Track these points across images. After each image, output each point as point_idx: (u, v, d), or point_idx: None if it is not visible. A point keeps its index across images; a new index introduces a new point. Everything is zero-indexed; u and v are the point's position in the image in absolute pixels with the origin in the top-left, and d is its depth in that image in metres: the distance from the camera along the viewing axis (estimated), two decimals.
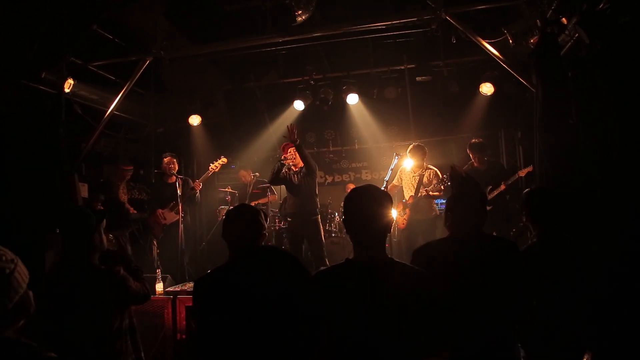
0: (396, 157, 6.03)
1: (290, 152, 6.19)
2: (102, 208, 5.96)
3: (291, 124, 5.97)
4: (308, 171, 6.15)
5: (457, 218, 2.49)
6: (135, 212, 6.49)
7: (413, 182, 6.13)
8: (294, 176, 6.26)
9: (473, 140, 6.34)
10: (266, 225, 2.49)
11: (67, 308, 2.40)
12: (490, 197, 5.77)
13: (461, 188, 2.55)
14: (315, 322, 1.96)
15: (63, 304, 2.40)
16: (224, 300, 2.28)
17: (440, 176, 5.97)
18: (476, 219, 2.47)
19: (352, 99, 7.67)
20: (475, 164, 6.14)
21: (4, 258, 1.43)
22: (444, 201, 7.73)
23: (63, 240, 2.58)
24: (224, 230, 2.42)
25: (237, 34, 6.24)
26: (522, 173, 5.96)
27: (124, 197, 6.50)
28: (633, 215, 3.56)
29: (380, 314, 1.85)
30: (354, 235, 2.04)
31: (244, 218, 2.44)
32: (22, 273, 1.47)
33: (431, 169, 6.15)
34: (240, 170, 7.82)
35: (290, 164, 6.22)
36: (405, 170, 6.33)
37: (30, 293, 1.50)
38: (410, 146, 6.19)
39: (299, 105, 7.75)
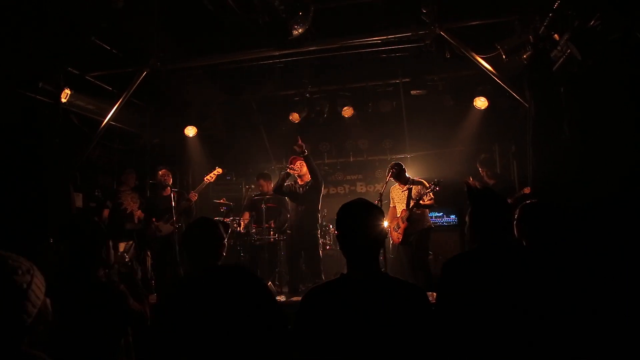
0: (391, 171, 6.14)
1: (297, 164, 6.23)
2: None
3: (298, 136, 6.01)
4: (314, 184, 6.18)
5: (481, 230, 2.35)
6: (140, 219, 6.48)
7: (403, 197, 6.16)
8: (299, 189, 6.29)
9: (482, 155, 6.43)
10: (225, 237, 2.48)
11: (67, 321, 2.35)
12: None
13: (479, 201, 2.46)
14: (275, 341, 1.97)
15: (63, 317, 2.36)
16: (176, 319, 2.25)
17: (427, 185, 5.99)
18: (502, 229, 2.32)
19: (347, 112, 7.80)
20: (485, 179, 6.19)
21: (19, 271, 1.37)
22: (440, 214, 7.83)
23: (69, 251, 2.50)
24: (183, 245, 2.43)
25: (234, 46, 6.29)
26: (527, 190, 5.98)
27: (132, 206, 6.50)
28: (626, 228, 3.59)
29: (375, 330, 1.84)
30: (347, 249, 2.03)
31: (200, 232, 2.43)
32: (39, 284, 1.42)
33: (417, 181, 6.18)
34: (260, 179, 7.69)
35: (296, 175, 6.24)
36: (394, 188, 6.38)
37: (48, 301, 1.46)
38: (388, 168, 6.23)
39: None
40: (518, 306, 2.05)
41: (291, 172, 6.21)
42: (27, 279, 1.38)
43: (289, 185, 6.30)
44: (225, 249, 2.46)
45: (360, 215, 2.02)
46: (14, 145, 5.07)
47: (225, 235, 2.47)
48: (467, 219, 2.41)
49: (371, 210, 2.05)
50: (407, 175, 6.28)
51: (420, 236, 6.06)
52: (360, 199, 2.13)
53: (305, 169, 6.20)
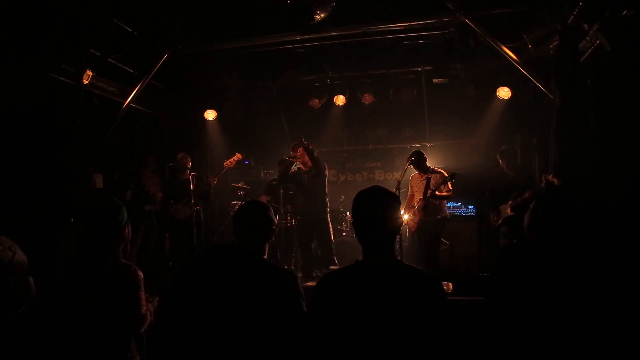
0: (410, 160, 6.09)
1: (299, 152, 6.27)
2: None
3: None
4: (317, 170, 6.26)
5: (539, 221, 2.49)
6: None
7: (421, 186, 6.12)
8: (303, 175, 6.34)
9: (503, 146, 6.31)
10: (275, 221, 2.48)
11: (86, 303, 2.36)
12: (513, 204, 5.71)
13: (549, 197, 2.57)
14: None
15: (82, 298, 2.36)
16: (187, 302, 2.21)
17: (445, 175, 5.95)
18: (557, 222, 2.44)
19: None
20: (504, 170, 6.08)
21: (1, 247, 1.43)
22: (459, 204, 7.75)
23: (90, 232, 2.51)
24: (234, 227, 2.42)
25: (255, 31, 6.26)
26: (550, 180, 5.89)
27: (153, 188, 6.58)
28: None
29: (387, 317, 1.84)
30: (362, 237, 2.03)
31: (253, 215, 2.43)
32: (21, 260, 1.47)
33: (436, 171, 6.13)
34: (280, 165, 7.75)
35: (299, 162, 6.29)
36: (414, 177, 6.35)
37: (31, 279, 1.50)
38: (408, 156, 6.17)
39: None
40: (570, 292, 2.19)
41: (293, 160, 6.30)
42: (9, 254, 1.43)
43: (293, 172, 6.36)
44: (274, 234, 2.44)
45: (376, 203, 2.02)
46: (36, 126, 5.14)
47: (275, 219, 2.46)
48: (530, 209, 2.54)
49: (387, 198, 2.04)
50: (427, 164, 6.23)
51: (435, 226, 6.03)
52: (377, 187, 2.13)
53: (307, 157, 6.26)
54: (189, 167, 6.51)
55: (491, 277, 2.46)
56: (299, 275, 6.60)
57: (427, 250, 6.05)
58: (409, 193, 6.47)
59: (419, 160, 6.15)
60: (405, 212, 6.29)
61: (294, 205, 7.05)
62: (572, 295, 2.19)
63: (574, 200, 2.53)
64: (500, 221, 5.93)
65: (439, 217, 6.08)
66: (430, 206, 6.00)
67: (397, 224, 2.03)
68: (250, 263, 2.26)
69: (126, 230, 2.58)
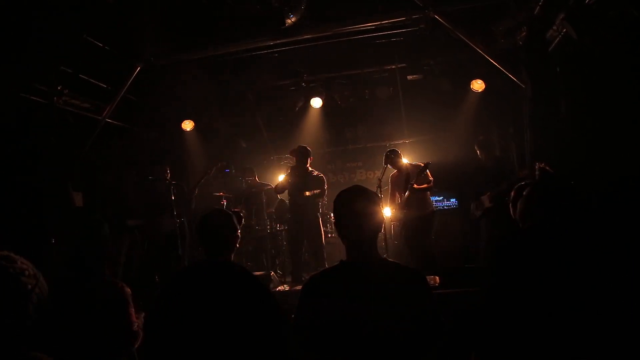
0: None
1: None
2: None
3: None
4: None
5: (530, 208, 2.43)
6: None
7: (400, 182, 6.17)
8: (303, 180, 6.35)
9: (480, 137, 6.36)
10: (239, 228, 2.48)
11: (75, 324, 2.33)
12: (492, 195, 5.76)
13: (543, 182, 2.50)
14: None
15: (71, 320, 2.33)
16: (171, 316, 2.23)
17: (421, 166, 5.96)
18: (554, 209, 2.39)
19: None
20: (483, 161, 6.13)
21: (27, 273, 1.43)
22: (440, 198, 7.83)
23: (72, 251, 2.49)
24: (199, 238, 2.41)
25: (228, 38, 6.24)
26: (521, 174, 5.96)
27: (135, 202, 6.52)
28: (622, 207, 3.59)
29: (375, 313, 1.86)
30: (345, 235, 2.05)
31: (215, 223, 2.42)
32: (42, 288, 1.48)
33: (413, 165, 6.18)
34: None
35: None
36: (393, 175, 6.40)
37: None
38: (384, 155, 6.23)
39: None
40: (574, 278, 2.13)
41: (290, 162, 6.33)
42: (33, 281, 1.44)
43: (284, 181, 6.40)
44: (239, 240, 2.46)
45: (357, 201, 2.03)
46: (10, 147, 5.05)
47: (238, 227, 2.46)
48: (523, 197, 2.47)
49: (367, 196, 2.05)
50: (403, 161, 6.28)
51: (421, 221, 6.06)
52: (356, 186, 2.15)
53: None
54: (168, 177, 6.45)
55: (492, 270, 2.40)
56: (289, 279, 6.60)
57: (418, 245, 6.05)
58: (389, 192, 6.51)
59: (394, 158, 6.20)
60: (389, 208, 6.33)
61: (280, 210, 7.05)
62: (580, 283, 2.15)
63: (570, 185, 2.47)
64: (480, 212, 5.99)
65: (427, 211, 6.11)
66: (414, 200, 6.03)
67: (378, 221, 2.04)
68: (228, 276, 2.25)
69: (109, 246, 2.55)
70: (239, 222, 2.52)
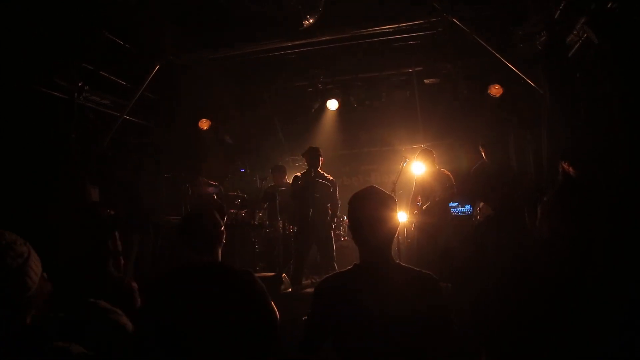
0: (405, 161, 6.07)
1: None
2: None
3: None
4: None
5: (557, 219, 2.36)
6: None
7: (426, 186, 6.08)
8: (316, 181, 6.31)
9: (482, 141, 6.30)
10: (222, 223, 2.42)
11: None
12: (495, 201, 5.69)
13: (567, 186, 2.42)
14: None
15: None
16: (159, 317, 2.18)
17: (453, 180, 5.89)
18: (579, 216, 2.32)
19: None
20: (484, 163, 6.06)
21: (18, 242, 1.43)
22: (455, 204, 7.76)
23: (77, 245, 2.51)
24: (182, 239, 2.36)
25: (246, 38, 6.29)
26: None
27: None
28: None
29: (388, 318, 1.83)
30: (359, 239, 2.00)
31: (196, 220, 2.38)
32: (35, 258, 1.47)
33: (444, 172, 6.08)
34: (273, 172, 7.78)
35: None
36: (420, 175, 6.29)
37: (45, 275, 1.49)
38: (419, 150, 6.16)
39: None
40: None
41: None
42: (25, 250, 1.44)
43: (298, 185, 6.34)
44: (224, 235, 2.41)
45: (372, 204, 1.97)
46: (30, 141, 5.15)
47: (222, 222, 2.44)
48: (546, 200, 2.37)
49: (383, 199, 2.00)
50: (435, 164, 6.17)
51: (436, 229, 5.97)
52: (372, 187, 2.08)
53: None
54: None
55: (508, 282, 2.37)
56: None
57: (433, 251, 5.96)
58: (412, 193, 6.43)
59: (432, 158, 6.05)
60: (408, 211, 6.23)
61: (289, 212, 7.01)
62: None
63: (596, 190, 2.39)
64: (480, 218, 5.89)
65: (444, 219, 6.02)
66: (434, 208, 5.94)
67: (393, 225, 1.99)
68: (214, 276, 2.22)
69: (113, 242, 2.55)
70: (222, 216, 2.48)
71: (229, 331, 2.06)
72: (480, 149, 6.13)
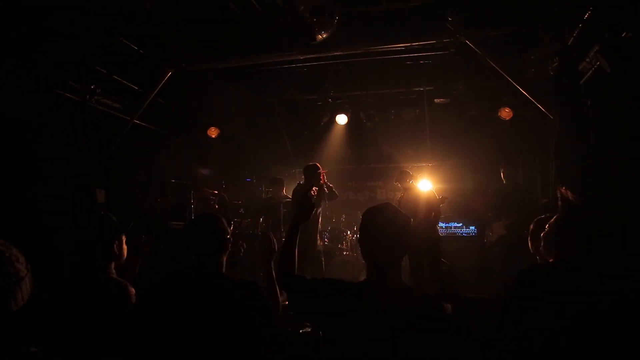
0: (411, 179, 6.07)
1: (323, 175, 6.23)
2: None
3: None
4: (330, 197, 6.28)
5: (562, 244, 2.31)
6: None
7: (409, 206, 6.02)
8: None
9: (505, 163, 6.32)
10: (229, 231, 2.41)
11: (72, 315, 2.34)
12: (508, 222, 5.66)
13: (567, 213, 2.37)
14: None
15: (70, 313, 2.34)
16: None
17: (436, 199, 5.82)
18: (582, 245, 2.27)
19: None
20: (504, 184, 6.03)
21: (21, 261, 1.49)
22: (460, 225, 7.70)
23: (82, 246, 2.48)
24: (188, 244, 2.35)
25: (258, 49, 6.34)
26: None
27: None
28: None
29: (391, 340, 1.80)
30: (368, 255, 1.97)
31: (205, 229, 2.36)
32: (31, 279, 1.52)
33: (423, 193, 6.03)
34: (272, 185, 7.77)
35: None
36: (403, 197, 6.26)
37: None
38: (399, 172, 6.15)
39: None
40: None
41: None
42: (24, 269, 1.50)
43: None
44: (230, 243, 2.40)
45: (387, 221, 1.94)
46: (40, 141, 5.19)
47: (229, 230, 2.43)
48: (547, 229, 2.36)
49: (399, 217, 1.97)
50: (415, 185, 6.16)
51: (427, 250, 5.87)
52: (388, 204, 2.05)
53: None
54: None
55: (508, 306, 2.29)
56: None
57: (430, 271, 5.90)
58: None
59: (406, 179, 6.07)
60: None
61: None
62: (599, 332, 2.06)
63: (596, 217, 2.34)
64: (494, 239, 5.86)
65: (432, 237, 5.97)
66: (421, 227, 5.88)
67: (406, 244, 1.96)
68: (210, 286, 2.20)
69: (118, 246, 2.53)
70: (229, 224, 2.48)
71: (218, 343, 2.04)
72: (501, 170, 6.11)
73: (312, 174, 6.15)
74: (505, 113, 7.06)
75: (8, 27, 4.54)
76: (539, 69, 5.47)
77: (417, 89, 7.57)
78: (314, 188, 5.82)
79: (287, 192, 7.50)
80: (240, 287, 2.25)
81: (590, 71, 5.14)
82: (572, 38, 5.04)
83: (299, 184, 6.63)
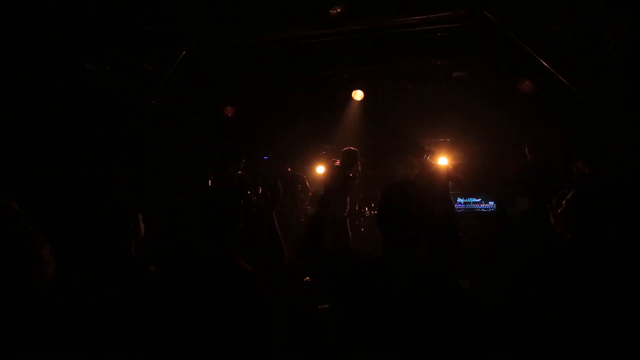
0: (428, 154, 5.98)
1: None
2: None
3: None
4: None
5: (578, 219, 2.27)
6: None
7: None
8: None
9: (532, 138, 6.20)
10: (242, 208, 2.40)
11: (95, 294, 2.39)
12: (532, 197, 5.58)
13: (583, 188, 2.33)
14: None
15: (92, 289, 2.40)
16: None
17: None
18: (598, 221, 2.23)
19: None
20: (529, 161, 5.93)
21: (47, 247, 1.55)
22: (478, 200, 7.63)
23: (101, 228, 2.54)
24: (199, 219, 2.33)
25: (272, 26, 6.25)
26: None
27: None
28: None
29: (408, 316, 1.81)
30: (388, 231, 1.98)
31: (214, 205, 2.35)
32: (53, 267, 1.58)
33: (442, 168, 6.00)
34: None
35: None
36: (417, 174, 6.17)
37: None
38: (426, 150, 6.03)
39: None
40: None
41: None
42: (50, 257, 1.55)
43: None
44: (241, 219, 2.36)
45: (409, 197, 1.96)
46: (57, 125, 5.24)
47: (243, 205, 2.41)
48: (564, 204, 2.33)
49: (419, 195, 1.98)
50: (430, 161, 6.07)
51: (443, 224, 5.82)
52: (409, 182, 2.08)
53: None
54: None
55: (523, 283, 2.29)
56: None
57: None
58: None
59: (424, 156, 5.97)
60: None
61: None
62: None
63: (617, 191, 2.28)
64: (520, 213, 5.80)
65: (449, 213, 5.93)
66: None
67: (426, 220, 1.96)
68: (219, 272, 2.19)
69: (136, 225, 2.57)
70: (248, 191, 2.48)
71: (221, 332, 2.03)
72: (525, 148, 5.99)
73: (353, 160, 6.10)
74: (526, 86, 6.88)
75: (22, 11, 4.55)
76: (561, 39, 5.29)
77: (435, 63, 7.40)
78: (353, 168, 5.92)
79: (299, 169, 7.52)
80: (242, 275, 2.21)
81: (616, 40, 4.94)
82: (597, 6, 4.85)
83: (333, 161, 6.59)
